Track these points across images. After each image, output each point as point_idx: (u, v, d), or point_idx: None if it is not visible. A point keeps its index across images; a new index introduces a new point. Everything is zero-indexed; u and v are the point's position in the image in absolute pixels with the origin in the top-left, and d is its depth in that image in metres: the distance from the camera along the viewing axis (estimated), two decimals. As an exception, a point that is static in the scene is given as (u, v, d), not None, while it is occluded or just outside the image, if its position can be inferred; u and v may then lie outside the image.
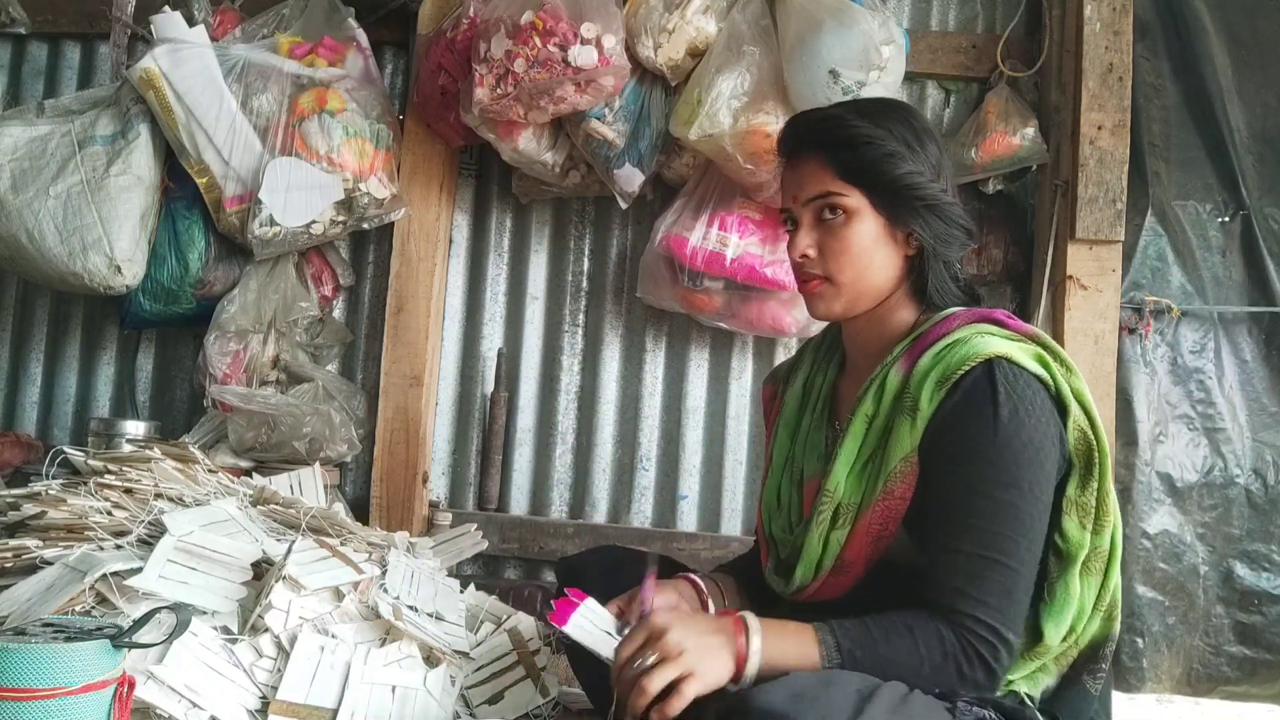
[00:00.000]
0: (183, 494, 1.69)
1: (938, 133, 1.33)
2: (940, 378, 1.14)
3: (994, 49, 2.35)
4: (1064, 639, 1.17)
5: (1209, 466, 2.26)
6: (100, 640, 1.13)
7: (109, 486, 1.64)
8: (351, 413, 2.37)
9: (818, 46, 2.00)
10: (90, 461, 1.74)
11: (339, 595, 1.54)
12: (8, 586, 1.41)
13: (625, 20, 2.12)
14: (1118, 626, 1.21)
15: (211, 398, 2.32)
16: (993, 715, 1.07)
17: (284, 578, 1.47)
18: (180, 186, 2.31)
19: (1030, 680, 1.16)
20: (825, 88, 1.99)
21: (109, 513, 1.58)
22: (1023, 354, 1.14)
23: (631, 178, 2.21)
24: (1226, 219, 2.34)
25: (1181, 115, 2.35)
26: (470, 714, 1.55)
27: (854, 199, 1.23)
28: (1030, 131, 2.23)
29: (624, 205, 2.29)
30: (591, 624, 1.21)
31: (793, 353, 2.11)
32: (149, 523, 1.55)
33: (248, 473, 2.16)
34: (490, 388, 2.50)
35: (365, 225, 2.33)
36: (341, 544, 1.66)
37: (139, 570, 1.39)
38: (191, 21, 2.29)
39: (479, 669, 1.63)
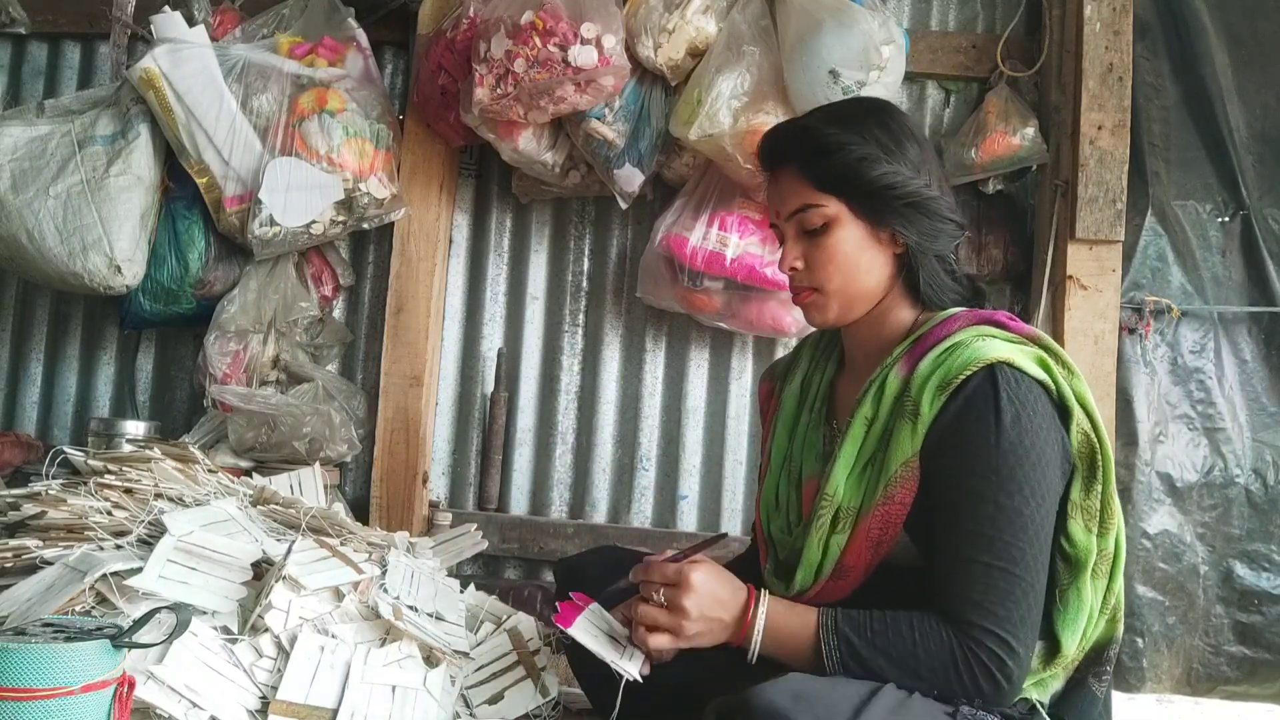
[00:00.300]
0: (183, 494, 1.69)
1: (922, 129, 1.33)
2: (941, 382, 1.13)
3: (994, 49, 2.35)
4: (1078, 645, 1.16)
5: (1209, 466, 2.26)
6: (100, 640, 1.13)
7: (109, 486, 1.64)
8: (351, 413, 2.37)
9: (818, 46, 2.00)
10: (90, 461, 1.74)
11: (339, 595, 1.54)
12: (8, 586, 1.41)
13: (625, 20, 2.12)
14: (1121, 628, 1.21)
15: (211, 398, 2.32)
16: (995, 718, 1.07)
17: (284, 578, 1.47)
18: (180, 186, 2.32)
19: (1040, 686, 1.16)
20: (825, 88, 1.99)
21: (109, 513, 1.58)
22: (1024, 358, 1.13)
23: (631, 178, 2.21)
24: (1226, 219, 2.34)
25: (1181, 115, 2.35)
26: (470, 714, 1.55)
27: (832, 207, 1.23)
28: (1030, 131, 2.23)
29: (624, 205, 2.29)
30: (597, 627, 1.21)
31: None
32: (149, 523, 1.55)
33: (248, 473, 2.16)
34: (490, 388, 2.50)
35: (365, 225, 2.33)
36: (341, 544, 1.66)
37: (139, 570, 1.39)
38: (191, 21, 2.29)
39: (479, 669, 1.62)
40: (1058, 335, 2.18)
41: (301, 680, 1.39)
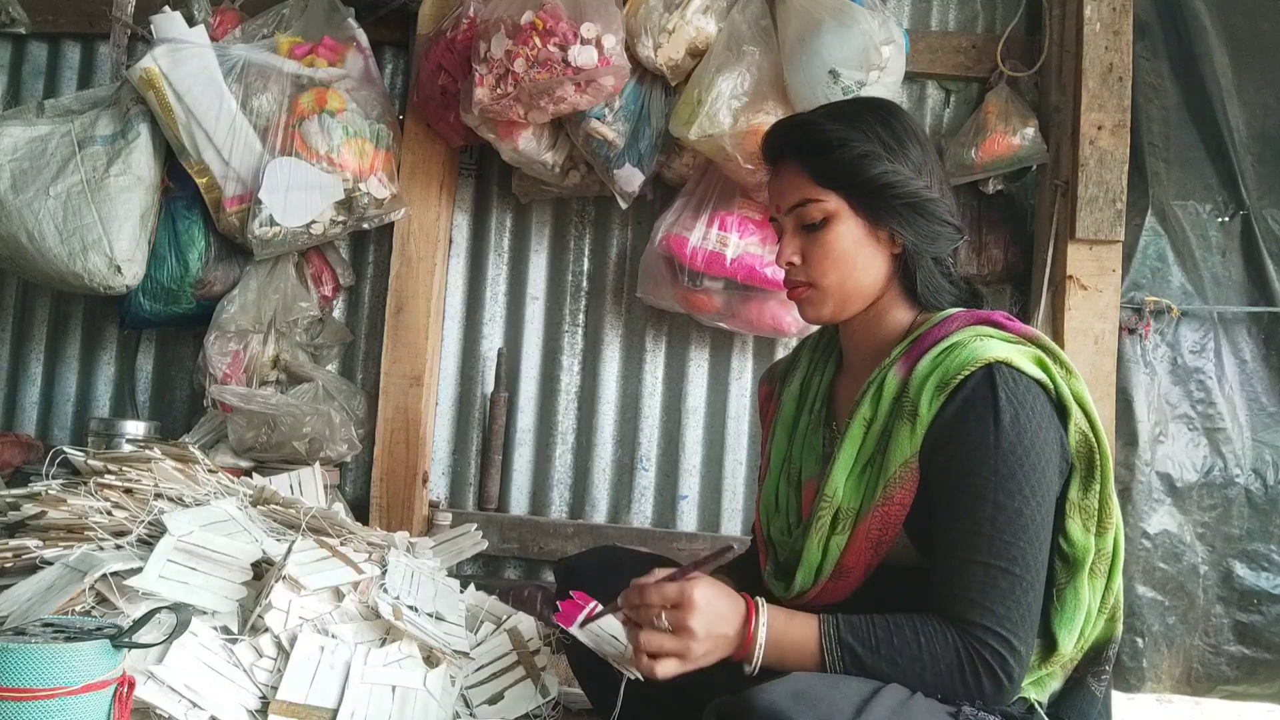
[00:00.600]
0: (183, 494, 1.69)
1: (924, 130, 1.32)
2: (940, 382, 1.13)
3: (994, 49, 2.35)
4: (1076, 644, 1.16)
5: (1209, 466, 2.26)
6: (100, 640, 1.13)
7: (109, 486, 1.64)
8: (351, 413, 2.37)
9: (818, 46, 2.00)
10: (90, 461, 1.74)
11: (339, 595, 1.54)
12: (8, 586, 1.41)
13: (625, 20, 2.12)
14: (1120, 628, 1.21)
15: (211, 398, 2.32)
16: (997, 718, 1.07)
17: (284, 578, 1.47)
18: (180, 186, 2.32)
19: (1038, 686, 1.16)
20: (825, 88, 1.99)
21: (109, 513, 1.58)
22: (1022, 358, 1.13)
23: (631, 178, 2.21)
24: (1226, 219, 2.34)
25: (1181, 115, 2.35)
26: (470, 714, 1.55)
27: (832, 203, 1.22)
28: (1030, 131, 2.23)
29: (624, 205, 2.29)
30: (599, 627, 1.21)
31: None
32: (149, 523, 1.55)
33: (248, 473, 2.16)
34: (490, 388, 2.50)
35: (365, 225, 2.33)
36: (341, 544, 1.66)
37: (139, 570, 1.39)
38: (191, 21, 2.29)
39: (479, 669, 1.63)
40: (1058, 335, 2.18)
41: (301, 680, 1.39)
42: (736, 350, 2.45)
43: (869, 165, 1.20)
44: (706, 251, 2.16)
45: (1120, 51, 2.19)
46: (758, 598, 1.15)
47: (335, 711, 1.39)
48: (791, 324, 2.22)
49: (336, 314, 2.58)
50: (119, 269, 2.20)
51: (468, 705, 1.57)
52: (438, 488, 2.52)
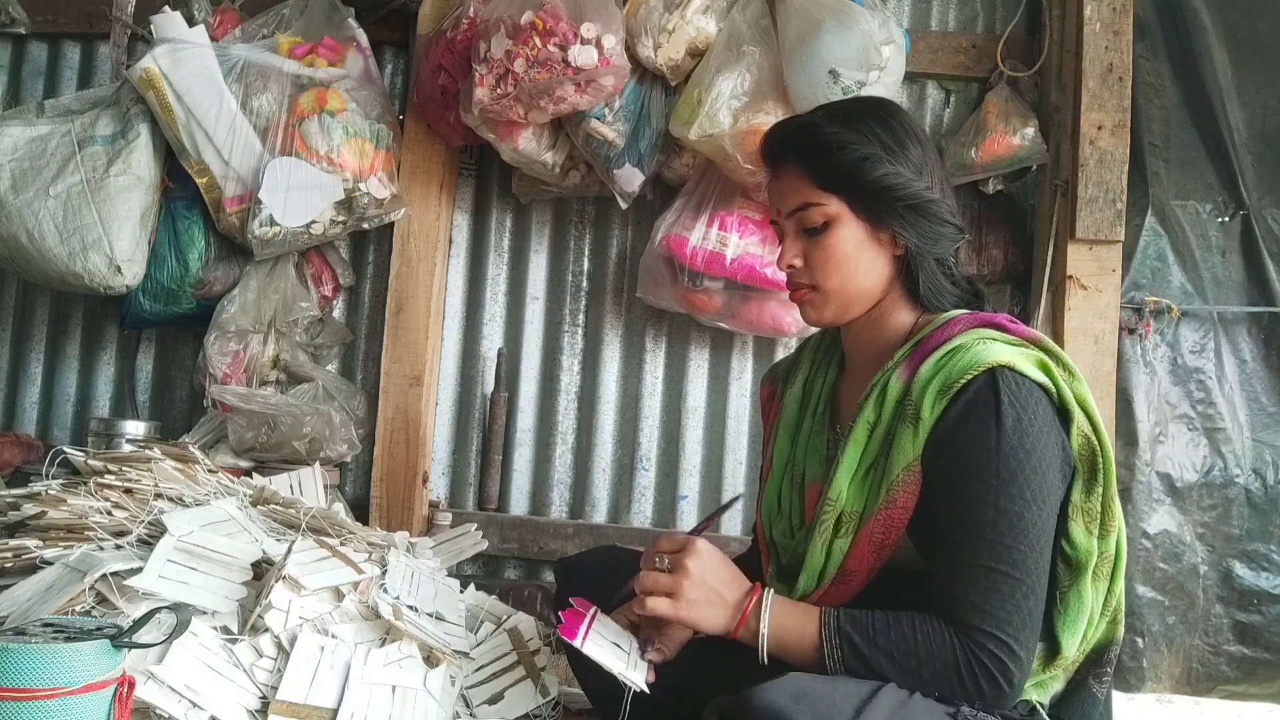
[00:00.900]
0: (183, 494, 1.69)
1: (924, 129, 1.32)
2: (942, 386, 1.13)
3: (994, 49, 2.35)
4: (1078, 647, 1.16)
5: (1209, 466, 2.26)
6: (100, 640, 1.13)
7: (109, 486, 1.64)
8: (351, 413, 2.37)
9: (818, 46, 2.00)
10: (90, 461, 1.74)
11: (339, 595, 1.54)
12: (8, 586, 1.41)
13: (625, 20, 2.12)
14: (1121, 629, 1.21)
15: (211, 398, 2.32)
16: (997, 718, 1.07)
17: (284, 578, 1.47)
18: (180, 186, 2.31)
19: (1040, 688, 1.16)
20: (825, 88, 1.99)
21: (109, 513, 1.58)
22: (1025, 361, 1.13)
23: (631, 178, 2.21)
24: (1226, 219, 2.34)
25: (1181, 115, 2.35)
26: (470, 714, 1.55)
27: (833, 206, 1.22)
28: (1030, 131, 2.23)
29: (624, 205, 2.29)
30: (601, 634, 1.21)
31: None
32: (149, 523, 1.55)
33: (248, 473, 2.16)
34: (490, 388, 2.50)
35: (365, 225, 2.33)
36: (341, 544, 1.66)
37: (139, 570, 1.39)
38: (191, 21, 2.29)
39: (479, 669, 1.62)
40: (1058, 335, 2.18)
41: (301, 680, 1.39)
42: (736, 350, 2.45)
43: (870, 168, 1.20)
44: (706, 251, 2.16)
45: (1120, 51, 2.19)
46: (766, 587, 1.18)
47: (335, 711, 1.39)
48: (791, 324, 2.22)
49: (336, 314, 2.58)
50: (119, 269, 2.20)
51: (468, 705, 1.56)
52: (438, 488, 2.52)
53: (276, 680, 1.39)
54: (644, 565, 1.20)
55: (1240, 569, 2.24)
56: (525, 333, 2.53)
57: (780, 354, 2.42)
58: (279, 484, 2.07)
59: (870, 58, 1.99)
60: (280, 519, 1.74)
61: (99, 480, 1.65)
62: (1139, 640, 2.22)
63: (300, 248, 2.38)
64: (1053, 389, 1.14)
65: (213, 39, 2.30)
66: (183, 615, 1.24)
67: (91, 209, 2.19)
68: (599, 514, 2.47)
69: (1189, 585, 2.24)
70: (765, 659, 1.13)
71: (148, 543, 1.51)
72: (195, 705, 1.31)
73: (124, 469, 1.70)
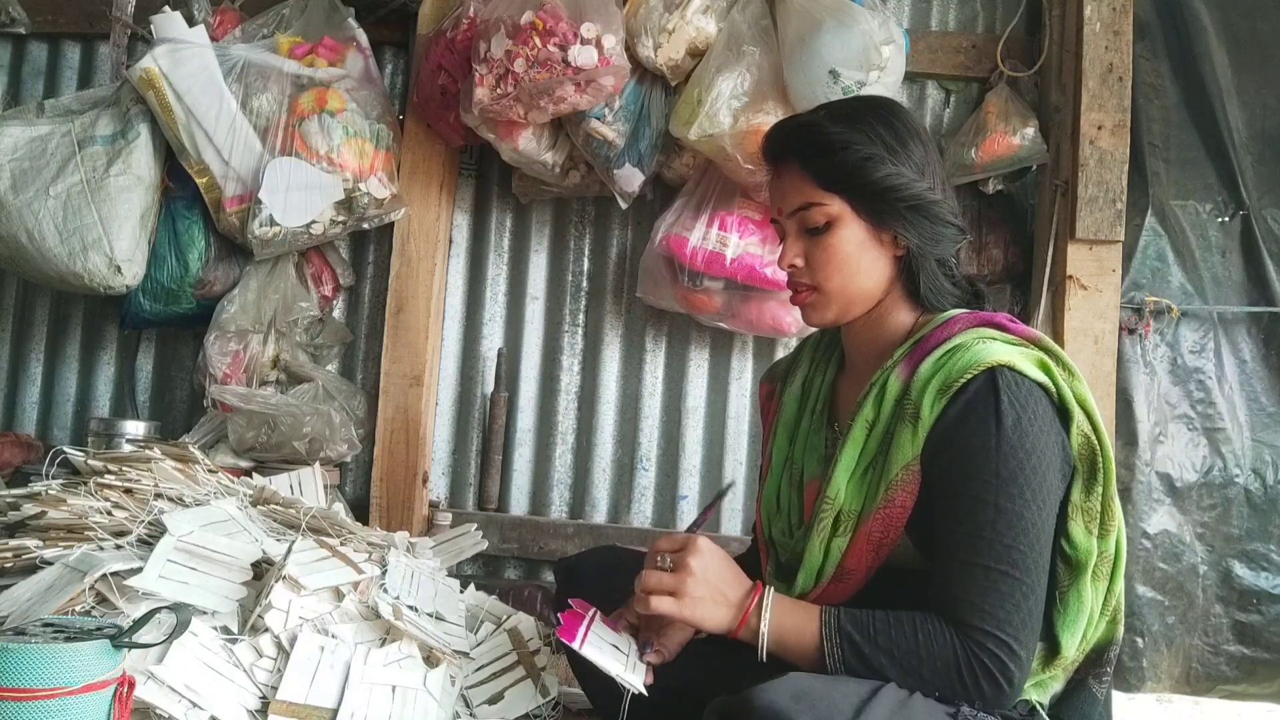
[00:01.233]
0: (183, 494, 1.69)
1: (926, 129, 1.32)
2: (942, 385, 1.13)
3: (994, 49, 2.35)
4: (1078, 647, 1.16)
5: (1208, 466, 2.27)
6: (100, 640, 1.13)
7: (109, 486, 1.64)
8: (351, 413, 2.37)
9: (818, 46, 2.00)
10: (90, 461, 1.74)
11: (339, 595, 1.54)
12: (8, 586, 1.41)
13: (625, 20, 2.12)
14: (1121, 629, 1.21)
15: (211, 398, 2.32)
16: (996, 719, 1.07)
17: (284, 578, 1.47)
18: (180, 186, 2.32)
19: (1040, 688, 1.16)
20: (825, 88, 1.99)
21: (109, 513, 1.58)
22: (1025, 360, 1.13)
23: (631, 178, 2.21)
24: (1226, 219, 2.34)
25: (1181, 115, 2.35)
26: (470, 714, 1.55)
27: (835, 206, 1.22)
28: (1030, 131, 2.23)
29: (624, 205, 2.29)
30: (600, 635, 1.21)
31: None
32: (149, 523, 1.55)
33: (248, 473, 2.16)
34: (490, 388, 2.50)
35: (365, 225, 2.33)
36: (341, 544, 1.66)
37: (139, 570, 1.39)
38: (191, 21, 2.29)
39: (479, 669, 1.62)
40: (1058, 335, 2.18)
41: (301, 680, 1.39)
42: (736, 350, 2.45)
43: (872, 169, 1.20)
44: (706, 251, 2.16)
45: (1120, 51, 2.19)
46: (767, 585, 1.18)
47: (335, 711, 1.39)
48: (791, 324, 2.22)
49: (336, 314, 2.58)
50: (119, 269, 2.20)
51: (468, 705, 1.56)
52: (438, 488, 2.52)
53: (276, 680, 1.39)
54: (647, 566, 1.20)
55: (1240, 569, 2.24)
56: (525, 333, 2.53)
57: (780, 354, 2.42)
58: (279, 484, 2.07)
59: (870, 58, 1.99)
60: (280, 519, 1.74)
61: (99, 480, 1.65)
62: (1139, 640, 2.22)
63: (300, 248, 2.38)
64: (1052, 388, 1.14)
65: (213, 39, 2.30)
66: (183, 615, 1.24)
67: (91, 209, 2.19)
68: (599, 514, 2.47)
69: (1189, 585, 2.24)
70: (764, 658, 1.13)
71: (148, 543, 1.51)
72: (195, 705, 1.31)
73: (124, 469, 1.70)
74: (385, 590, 1.61)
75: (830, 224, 1.23)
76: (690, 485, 2.45)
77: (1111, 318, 2.18)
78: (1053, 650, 1.15)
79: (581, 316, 2.53)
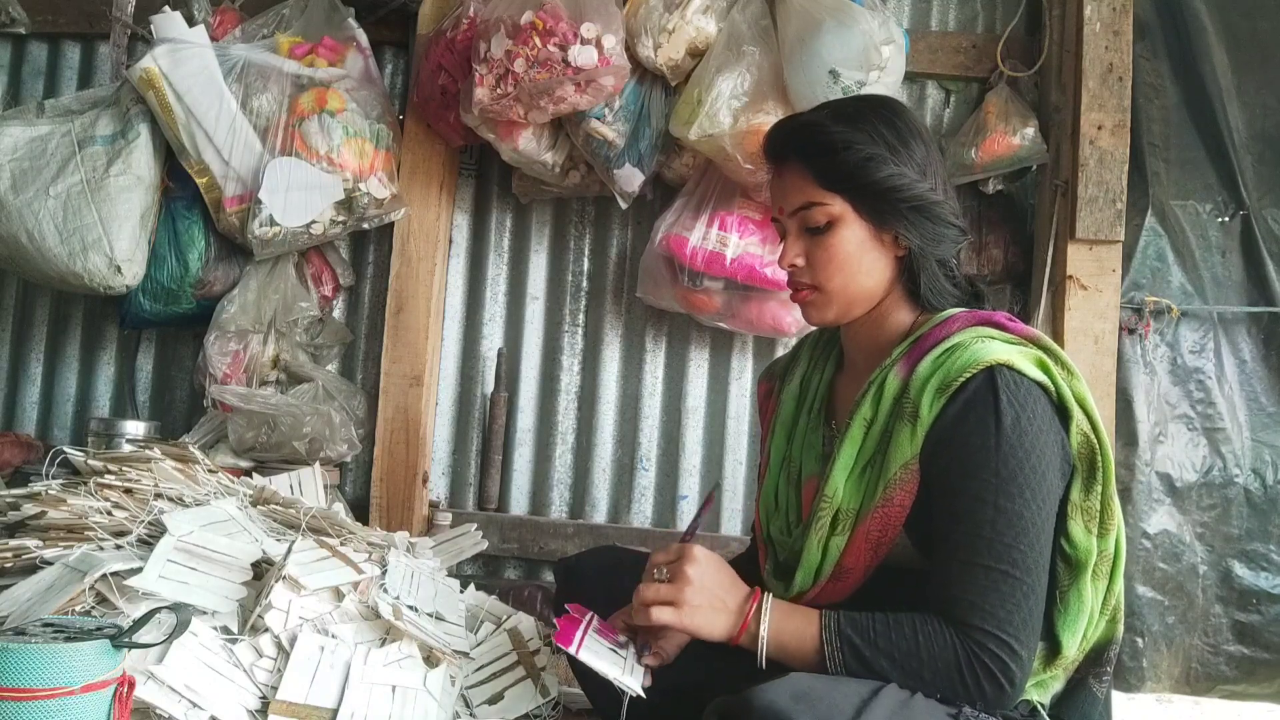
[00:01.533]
0: (183, 494, 1.69)
1: (927, 129, 1.32)
2: (941, 384, 1.13)
3: (994, 49, 2.35)
4: (1078, 646, 1.16)
5: (1208, 466, 2.27)
6: (100, 640, 1.13)
7: (109, 486, 1.64)
8: (351, 413, 2.37)
9: (818, 46, 2.00)
10: (90, 461, 1.74)
11: (339, 595, 1.54)
12: (8, 586, 1.41)
13: (625, 20, 2.12)
14: (1121, 629, 1.20)
15: (211, 398, 2.32)
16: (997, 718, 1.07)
17: (284, 578, 1.47)
18: (180, 186, 2.32)
19: (1040, 687, 1.16)
20: (825, 88, 1.99)
21: (109, 513, 1.58)
22: (1024, 359, 1.13)
23: (631, 178, 2.21)
24: (1226, 219, 2.34)
25: (1181, 115, 2.35)
26: (470, 714, 1.55)
27: (837, 206, 1.22)
28: (1030, 131, 2.23)
29: (624, 205, 2.29)
30: (600, 642, 1.21)
31: (792, 353, 2.11)
32: (149, 523, 1.55)
33: (248, 473, 2.16)
34: (490, 388, 2.50)
35: (365, 225, 2.33)
36: (341, 544, 1.66)
37: (139, 570, 1.39)
38: (191, 21, 2.29)
39: (479, 669, 1.62)
40: (1058, 335, 2.18)
41: (301, 680, 1.39)
42: (736, 350, 2.45)
43: (874, 169, 1.19)
44: (706, 251, 2.16)
45: (1120, 51, 2.19)
46: (764, 590, 1.18)
47: (335, 711, 1.39)
48: (791, 324, 2.22)
49: (336, 314, 2.58)
50: (119, 269, 2.20)
51: (468, 705, 1.57)
52: (438, 488, 2.52)
53: (276, 680, 1.39)
54: (644, 580, 1.19)
55: (1239, 569, 2.24)
56: (525, 333, 2.53)
57: (780, 354, 2.41)
58: (279, 484, 2.07)
59: (870, 58, 1.99)
60: (280, 519, 1.74)
61: (99, 480, 1.65)
62: (1139, 640, 2.22)
63: (300, 248, 2.38)
64: (1051, 387, 1.14)
65: (213, 39, 2.30)
66: (183, 615, 1.24)
67: (91, 209, 2.19)
68: (599, 514, 2.47)
69: (1188, 585, 2.24)
70: (764, 663, 1.13)
71: (148, 543, 1.51)
72: (195, 705, 1.31)
73: (124, 469, 1.70)
74: (385, 590, 1.61)
75: (831, 224, 1.22)
76: (690, 485, 2.45)
77: (1111, 318, 2.18)
78: (1053, 650, 1.15)
79: (581, 316, 2.53)
